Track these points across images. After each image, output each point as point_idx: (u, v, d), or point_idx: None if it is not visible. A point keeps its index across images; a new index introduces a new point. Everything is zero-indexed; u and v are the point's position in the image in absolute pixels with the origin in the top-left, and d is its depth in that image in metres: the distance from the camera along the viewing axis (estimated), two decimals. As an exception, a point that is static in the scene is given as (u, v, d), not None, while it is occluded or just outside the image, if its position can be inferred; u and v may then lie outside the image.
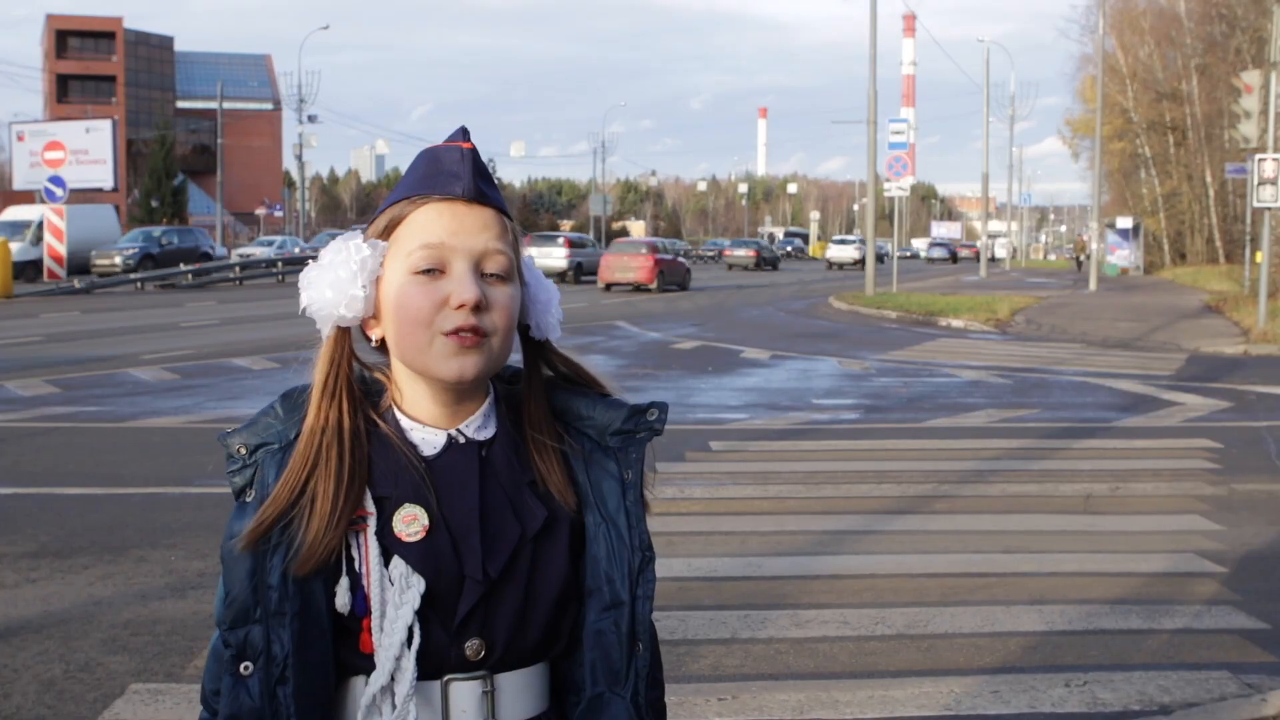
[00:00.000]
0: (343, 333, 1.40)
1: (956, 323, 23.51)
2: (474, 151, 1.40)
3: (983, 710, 4.35)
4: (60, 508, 7.35)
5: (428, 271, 1.35)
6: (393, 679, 1.33)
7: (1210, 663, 4.86)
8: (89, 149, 42.91)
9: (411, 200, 1.38)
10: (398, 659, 1.33)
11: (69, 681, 4.53)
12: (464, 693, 1.37)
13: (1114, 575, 6.04)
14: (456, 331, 1.33)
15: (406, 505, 1.36)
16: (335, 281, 1.38)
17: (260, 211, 72.09)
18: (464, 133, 1.43)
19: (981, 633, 5.19)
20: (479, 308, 1.34)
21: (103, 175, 43.86)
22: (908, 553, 6.44)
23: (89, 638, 5.02)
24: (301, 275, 1.41)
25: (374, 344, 1.42)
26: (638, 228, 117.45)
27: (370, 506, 1.36)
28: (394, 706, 1.34)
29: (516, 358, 1.49)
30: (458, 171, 1.38)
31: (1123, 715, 4.35)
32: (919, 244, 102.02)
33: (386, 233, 1.39)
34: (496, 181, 1.45)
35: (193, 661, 4.75)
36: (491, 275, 1.37)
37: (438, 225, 1.36)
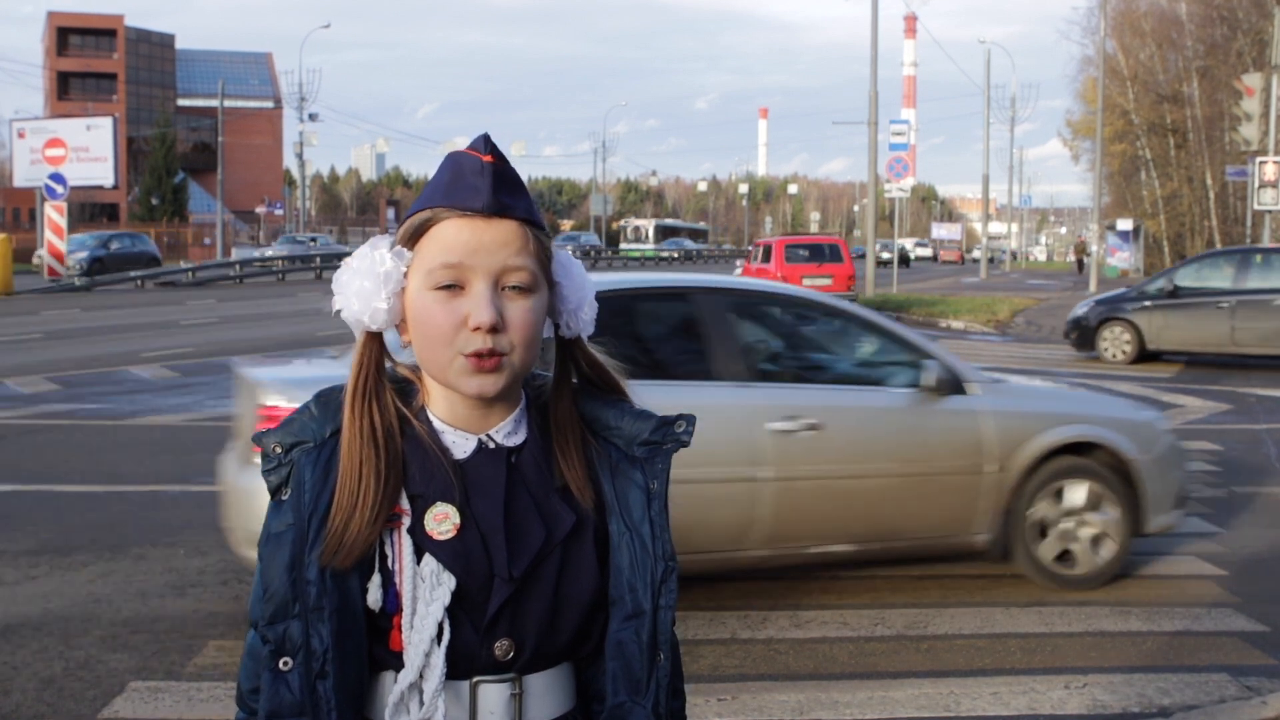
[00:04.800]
0: (372, 336, 1.43)
1: (956, 324, 23.52)
2: (494, 163, 1.39)
3: (982, 711, 4.36)
4: (60, 505, 7.35)
5: (448, 287, 1.36)
6: (421, 676, 1.35)
7: (1210, 665, 4.86)
8: (89, 146, 42.84)
9: (434, 210, 1.39)
10: (427, 655, 1.35)
11: (68, 679, 4.53)
12: (492, 694, 1.39)
13: (1113, 577, 6.04)
14: (476, 355, 1.35)
15: (438, 504, 1.38)
16: (360, 292, 1.40)
17: (260, 209, 72.01)
18: (484, 141, 1.41)
19: (981, 634, 5.19)
20: (495, 329, 1.35)
21: (103, 173, 43.78)
22: (907, 554, 6.43)
23: (89, 635, 5.02)
24: (334, 278, 1.44)
25: (404, 346, 1.44)
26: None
27: (405, 504, 1.38)
28: (422, 704, 1.35)
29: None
30: (477, 185, 1.38)
31: (1122, 717, 4.35)
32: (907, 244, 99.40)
33: (412, 240, 1.41)
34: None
35: (192, 659, 4.75)
36: (512, 288, 1.38)
37: (457, 243, 1.37)
